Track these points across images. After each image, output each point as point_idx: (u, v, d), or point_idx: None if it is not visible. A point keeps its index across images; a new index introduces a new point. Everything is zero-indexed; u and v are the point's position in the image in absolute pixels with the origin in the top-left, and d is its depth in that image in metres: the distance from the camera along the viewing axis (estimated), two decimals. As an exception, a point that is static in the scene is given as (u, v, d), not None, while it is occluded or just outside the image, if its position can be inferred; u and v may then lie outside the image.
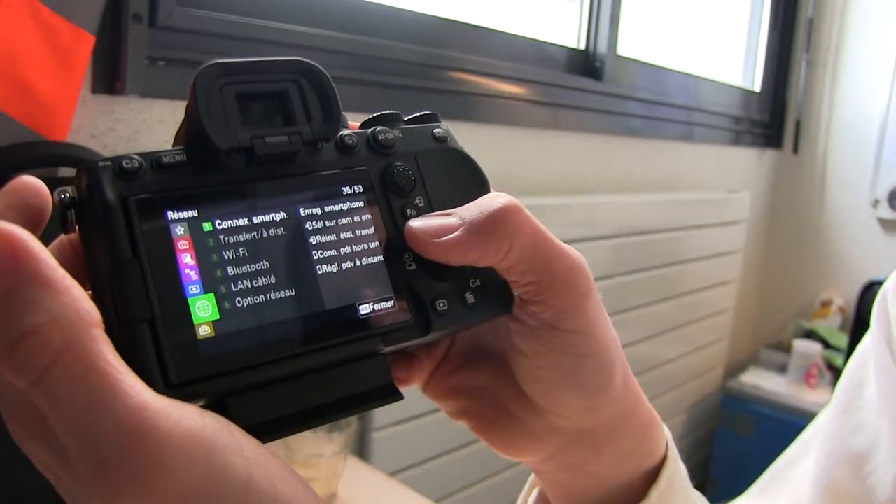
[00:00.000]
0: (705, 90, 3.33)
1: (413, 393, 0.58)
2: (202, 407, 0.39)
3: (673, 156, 3.15)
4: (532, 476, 0.65)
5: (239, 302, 0.42)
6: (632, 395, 0.57)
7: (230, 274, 0.42)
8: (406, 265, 0.48)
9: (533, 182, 2.42)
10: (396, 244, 0.48)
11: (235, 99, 0.44)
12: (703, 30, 3.62)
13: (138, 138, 1.46)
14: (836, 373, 3.42)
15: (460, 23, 2.21)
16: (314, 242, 0.45)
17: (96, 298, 0.40)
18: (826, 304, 3.83)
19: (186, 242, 0.41)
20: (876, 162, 3.63)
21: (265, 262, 0.43)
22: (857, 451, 0.71)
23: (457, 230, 0.47)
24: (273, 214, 0.44)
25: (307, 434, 1.19)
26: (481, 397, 0.58)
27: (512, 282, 0.50)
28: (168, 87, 1.46)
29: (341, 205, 0.47)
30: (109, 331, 0.38)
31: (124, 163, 0.41)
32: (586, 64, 2.66)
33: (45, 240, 0.42)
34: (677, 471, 0.61)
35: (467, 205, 0.49)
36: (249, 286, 0.42)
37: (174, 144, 0.45)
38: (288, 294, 0.43)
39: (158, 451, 0.34)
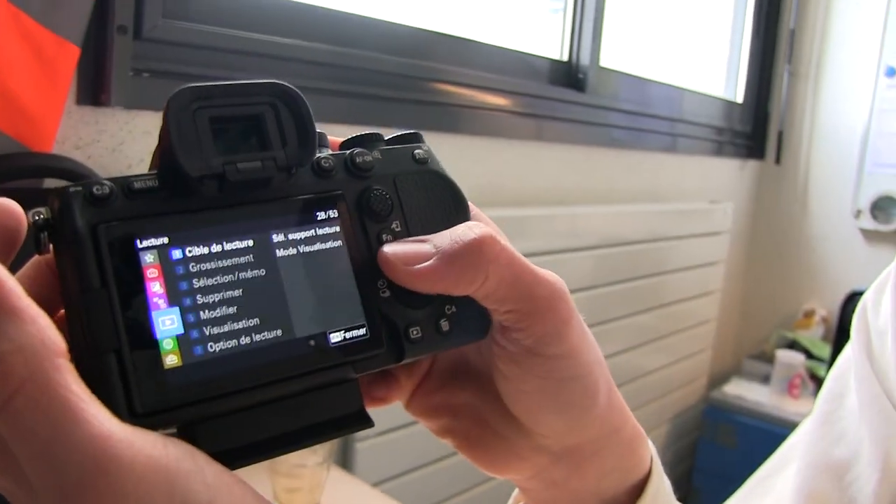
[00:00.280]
0: (688, 101, 3.35)
1: (396, 404, 0.58)
2: (170, 434, 0.39)
3: (656, 167, 3.16)
4: (515, 491, 0.65)
5: (207, 331, 0.41)
6: (616, 412, 0.57)
7: (199, 302, 0.41)
8: (380, 292, 0.48)
9: (516, 193, 2.42)
10: (371, 270, 0.48)
11: (209, 123, 0.43)
12: (685, 41, 3.63)
13: (123, 149, 1.46)
14: (818, 383, 3.43)
15: (444, 34, 2.21)
16: (285, 269, 0.44)
17: (68, 322, 0.40)
18: (809, 315, 3.84)
19: (156, 270, 0.41)
20: (858, 172, 3.65)
21: (235, 290, 0.42)
22: (839, 461, 0.71)
23: (430, 259, 0.47)
24: (244, 241, 0.44)
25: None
26: (465, 416, 0.58)
27: (491, 309, 0.50)
28: (153, 98, 1.46)
29: (314, 230, 0.46)
30: (79, 358, 0.38)
31: (95, 189, 0.40)
32: (569, 75, 2.67)
33: (23, 259, 0.42)
34: (661, 486, 0.61)
35: (442, 233, 0.48)
36: (218, 315, 0.42)
37: (151, 166, 0.45)
38: (257, 322, 0.43)
39: (120, 481, 0.34)
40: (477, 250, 0.46)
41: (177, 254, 0.41)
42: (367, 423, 0.47)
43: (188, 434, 0.40)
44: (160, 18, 1.43)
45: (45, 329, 0.35)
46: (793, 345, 3.75)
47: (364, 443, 1.88)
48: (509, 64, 2.43)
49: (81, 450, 0.34)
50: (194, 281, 0.41)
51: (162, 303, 0.40)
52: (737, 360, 4.05)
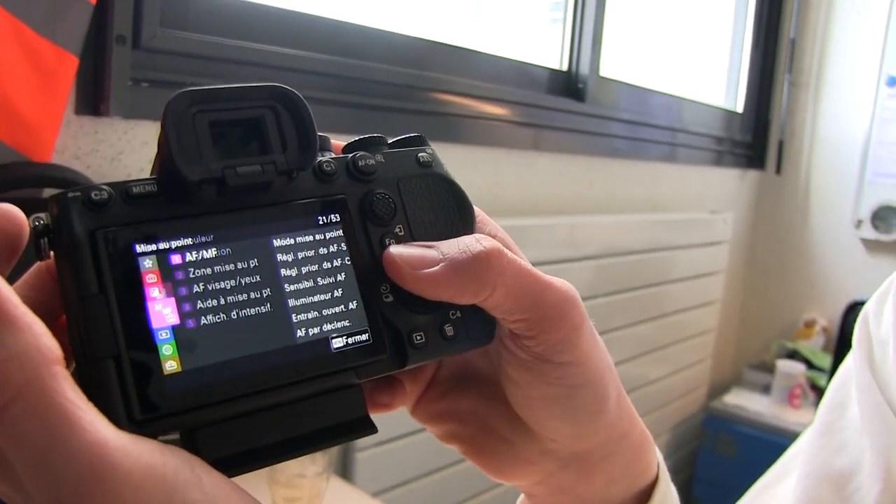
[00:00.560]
0: (688, 111, 3.35)
1: (397, 413, 0.57)
2: (170, 440, 0.39)
3: (655, 176, 3.16)
4: (521, 497, 0.65)
5: (207, 337, 0.41)
6: (626, 417, 0.56)
7: (198, 308, 0.41)
8: (383, 297, 0.47)
9: (515, 203, 2.43)
10: (374, 275, 0.47)
11: (208, 127, 0.43)
12: (685, 51, 3.63)
13: (122, 159, 1.46)
14: (819, 393, 3.43)
15: (443, 44, 2.21)
16: (286, 275, 0.44)
17: (68, 328, 0.40)
18: (809, 325, 3.84)
19: (154, 276, 0.40)
20: (859, 182, 3.65)
21: (235, 296, 0.42)
22: (840, 471, 0.71)
23: (437, 265, 0.46)
24: (244, 246, 0.43)
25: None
26: (471, 421, 0.58)
27: (500, 318, 0.49)
28: (152, 108, 1.46)
29: (316, 235, 0.46)
30: (78, 364, 0.38)
31: (93, 194, 0.40)
32: (569, 85, 2.67)
33: (27, 265, 0.42)
34: (668, 493, 0.61)
35: (449, 241, 0.48)
36: (218, 320, 0.41)
37: (151, 171, 0.44)
38: (257, 328, 0.42)
39: (117, 489, 0.34)
40: (484, 263, 0.46)
41: (176, 259, 0.41)
42: (370, 429, 0.47)
43: (188, 441, 0.40)
44: (159, 28, 1.43)
45: (40, 336, 0.35)
46: (793, 355, 3.75)
47: (364, 452, 1.88)
48: (509, 74, 2.43)
49: (78, 458, 0.34)
50: (194, 286, 0.41)
51: (161, 308, 0.40)
52: (737, 369, 4.05)
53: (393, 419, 0.53)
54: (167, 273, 0.41)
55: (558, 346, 0.49)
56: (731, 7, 3.81)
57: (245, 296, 0.42)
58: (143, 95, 1.44)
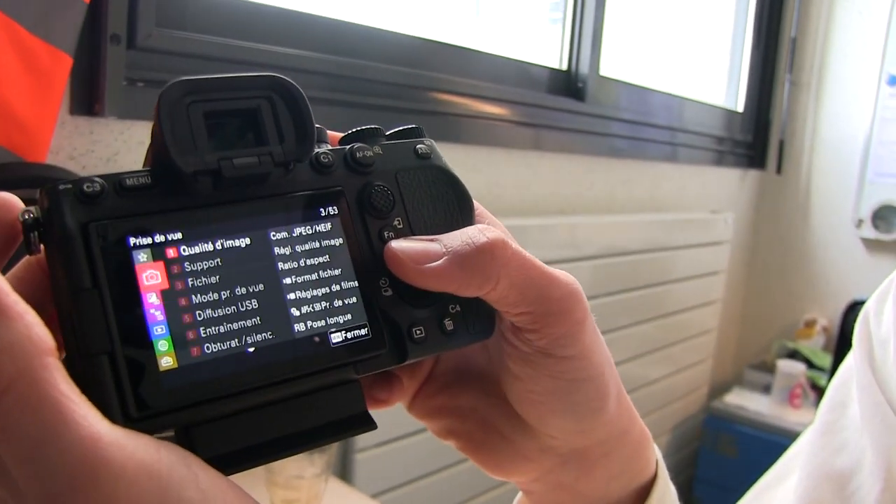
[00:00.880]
0: (688, 111, 3.34)
1: (395, 414, 0.57)
2: (166, 437, 0.38)
3: (656, 176, 3.16)
4: (519, 495, 0.65)
5: (203, 332, 0.40)
6: (625, 414, 0.56)
7: (195, 302, 0.40)
8: (382, 291, 0.47)
9: (516, 203, 2.42)
10: (372, 269, 0.47)
11: (203, 118, 0.42)
12: (686, 50, 3.63)
13: (117, 160, 1.45)
14: (820, 393, 3.43)
15: (443, 44, 2.21)
16: (283, 268, 0.43)
17: (60, 323, 0.39)
18: (810, 325, 3.84)
19: (149, 270, 0.40)
20: (859, 182, 3.65)
21: (231, 290, 0.41)
22: (841, 471, 0.71)
23: (440, 258, 0.46)
24: (241, 239, 0.43)
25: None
26: (469, 417, 0.57)
27: (504, 311, 0.49)
28: (147, 108, 1.44)
29: (313, 227, 0.45)
30: (71, 360, 0.37)
31: (85, 186, 0.39)
32: (569, 84, 2.67)
33: (16, 260, 0.41)
34: (667, 490, 0.61)
35: (452, 233, 0.47)
36: (214, 315, 0.41)
37: (144, 163, 0.44)
38: (255, 322, 0.42)
39: (111, 486, 0.33)
40: (488, 254, 0.46)
41: (171, 253, 0.41)
42: (369, 425, 0.46)
43: (184, 438, 0.40)
44: (154, 27, 1.43)
45: (32, 326, 0.34)
46: (794, 354, 3.75)
47: (363, 453, 1.87)
48: (509, 73, 2.42)
49: (71, 452, 0.33)
50: (189, 280, 0.41)
51: (156, 303, 0.39)
52: (738, 369, 4.05)
53: (392, 419, 0.53)
54: (162, 267, 0.40)
55: (561, 340, 0.49)
56: (731, 6, 3.81)
57: (242, 290, 0.42)
58: (139, 95, 1.43)
